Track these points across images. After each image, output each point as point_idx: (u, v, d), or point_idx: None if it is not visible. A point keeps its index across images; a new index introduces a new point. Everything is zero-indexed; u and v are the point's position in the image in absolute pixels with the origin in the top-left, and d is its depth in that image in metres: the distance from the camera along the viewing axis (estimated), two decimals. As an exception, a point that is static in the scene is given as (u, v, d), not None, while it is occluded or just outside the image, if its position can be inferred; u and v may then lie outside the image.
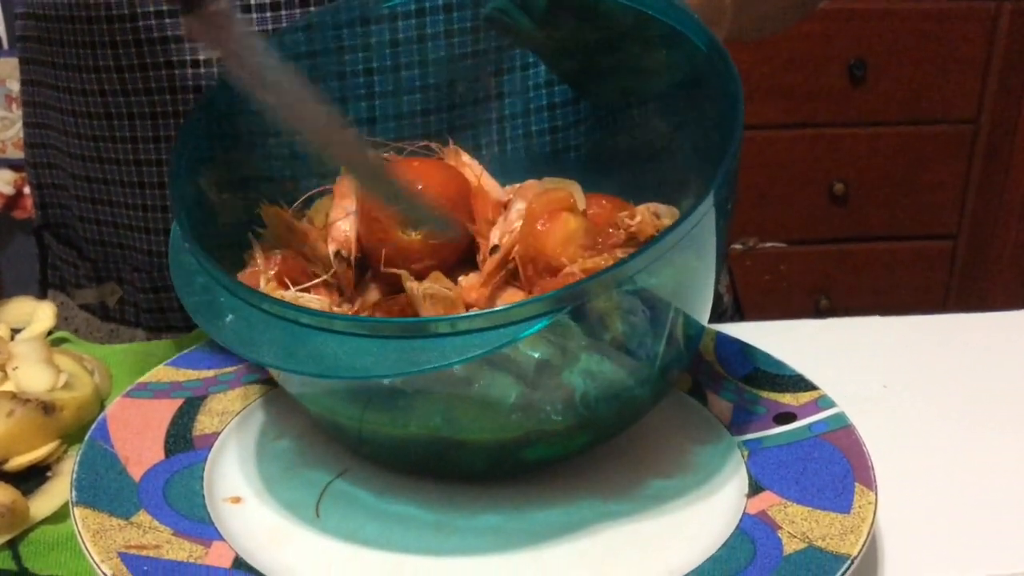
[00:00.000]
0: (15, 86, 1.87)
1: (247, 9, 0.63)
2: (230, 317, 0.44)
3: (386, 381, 0.46)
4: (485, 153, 0.65)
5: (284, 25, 0.63)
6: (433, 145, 0.60)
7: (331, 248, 0.53)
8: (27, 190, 1.87)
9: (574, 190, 0.56)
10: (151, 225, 0.71)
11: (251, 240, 0.54)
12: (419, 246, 0.52)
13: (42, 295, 0.82)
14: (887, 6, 1.82)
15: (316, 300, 0.51)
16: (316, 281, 0.51)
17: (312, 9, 0.64)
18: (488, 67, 0.65)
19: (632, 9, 0.56)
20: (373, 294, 0.53)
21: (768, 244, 1.95)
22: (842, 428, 0.53)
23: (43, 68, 0.72)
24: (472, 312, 0.42)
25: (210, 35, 0.47)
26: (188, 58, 0.65)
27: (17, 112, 1.89)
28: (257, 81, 0.48)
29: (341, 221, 0.54)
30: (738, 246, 1.93)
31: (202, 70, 0.65)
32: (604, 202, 0.56)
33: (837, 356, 0.68)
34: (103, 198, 0.72)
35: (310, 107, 0.49)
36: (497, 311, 0.42)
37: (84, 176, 0.72)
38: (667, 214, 0.55)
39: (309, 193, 0.56)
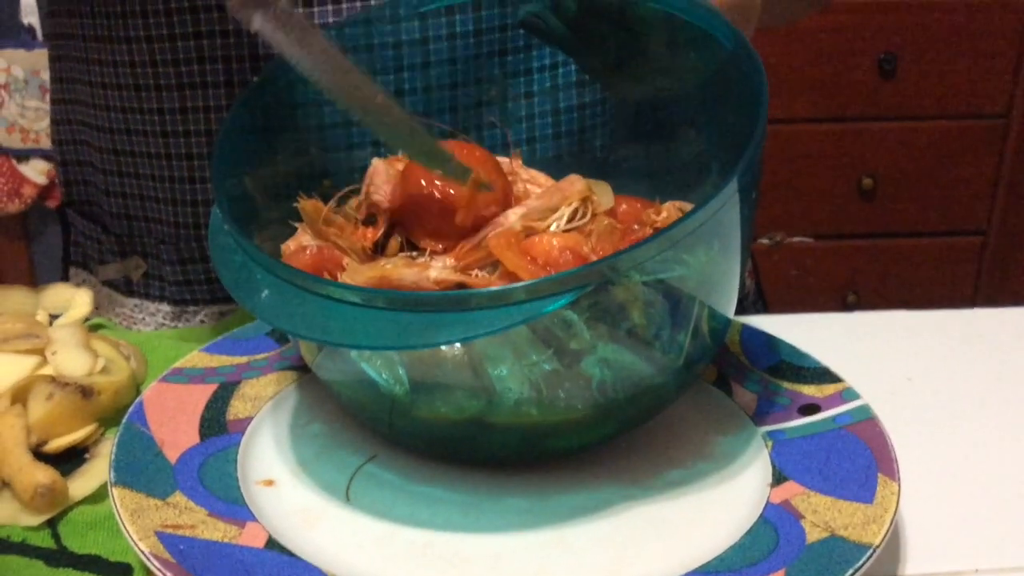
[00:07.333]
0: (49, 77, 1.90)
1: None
2: (266, 292, 0.45)
3: (403, 373, 0.47)
4: (513, 151, 0.65)
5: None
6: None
7: (367, 199, 0.54)
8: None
9: (604, 190, 0.56)
10: (178, 196, 0.72)
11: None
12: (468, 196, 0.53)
13: (64, 273, 0.83)
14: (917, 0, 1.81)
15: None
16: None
17: (343, 6, 0.65)
18: (517, 66, 0.66)
19: (662, 12, 0.56)
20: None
21: (795, 239, 1.95)
22: (866, 420, 0.54)
23: (72, 41, 0.73)
24: (498, 287, 0.43)
25: (275, 29, 0.49)
26: (217, 28, 0.66)
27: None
28: (317, 73, 0.50)
29: (381, 183, 0.55)
30: (765, 241, 1.92)
31: (231, 40, 0.66)
32: (633, 201, 0.57)
33: (862, 349, 0.68)
34: (130, 171, 0.73)
35: (352, 81, 0.51)
36: (522, 286, 0.43)
37: (111, 149, 0.73)
38: (693, 212, 0.55)
39: (344, 191, 0.57)
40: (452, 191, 0.54)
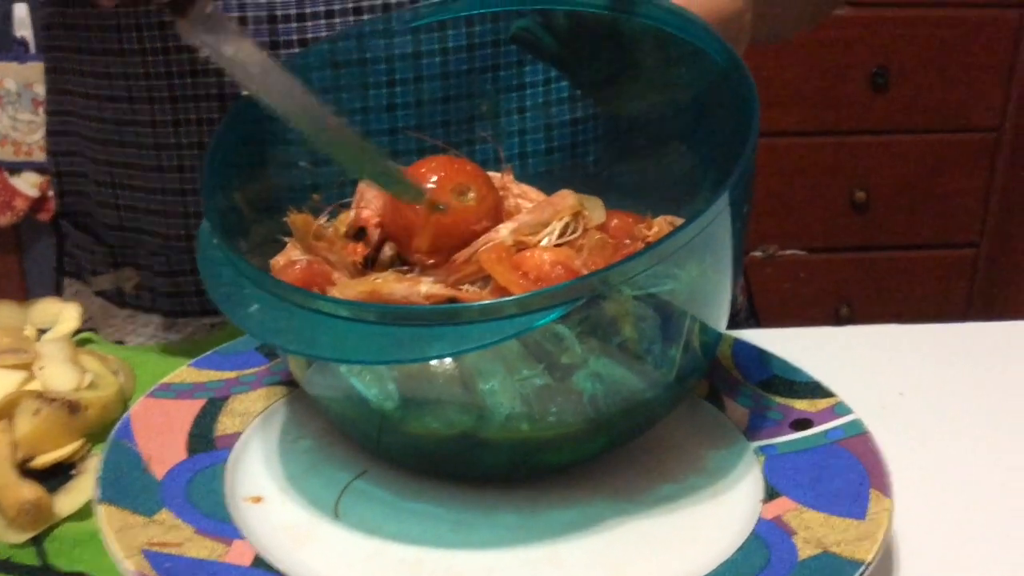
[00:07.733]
0: (42, 90, 1.90)
1: (273, 20, 0.64)
2: (255, 307, 0.45)
3: (395, 387, 0.47)
4: (504, 165, 0.65)
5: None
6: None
7: (357, 214, 0.54)
8: (52, 192, 1.89)
9: (595, 205, 0.56)
10: (169, 208, 0.71)
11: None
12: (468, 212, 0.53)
13: (58, 283, 0.83)
14: (910, 13, 1.81)
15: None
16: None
17: (336, 21, 0.64)
18: (509, 81, 0.66)
19: (653, 27, 0.56)
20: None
21: (788, 252, 1.95)
22: (858, 435, 0.53)
23: (68, 54, 0.73)
24: (489, 301, 0.43)
25: (202, 38, 0.49)
26: None
27: (43, 116, 1.92)
28: (250, 81, 0.50)
29: (372, 197, 0.55)
30: (758, 253, 1.93)
31: None
32: (624, 216, 0.57)
33: (854, 363, 0.68)
34: (122, 182, 0.73)
35: (303, 102, 0.50)
36: (513, 300, 0.43)
37: (104, 160, 0.73)
38: (684, 227, 0.55)
39: (334, 205, 0.57)
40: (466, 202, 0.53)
